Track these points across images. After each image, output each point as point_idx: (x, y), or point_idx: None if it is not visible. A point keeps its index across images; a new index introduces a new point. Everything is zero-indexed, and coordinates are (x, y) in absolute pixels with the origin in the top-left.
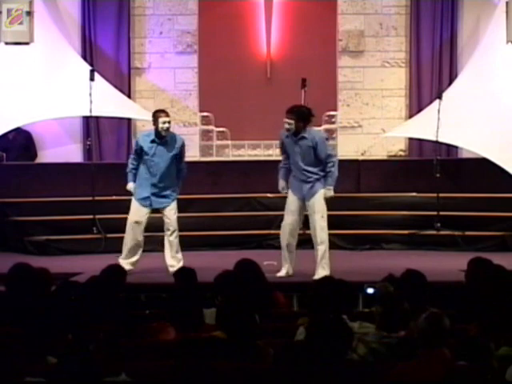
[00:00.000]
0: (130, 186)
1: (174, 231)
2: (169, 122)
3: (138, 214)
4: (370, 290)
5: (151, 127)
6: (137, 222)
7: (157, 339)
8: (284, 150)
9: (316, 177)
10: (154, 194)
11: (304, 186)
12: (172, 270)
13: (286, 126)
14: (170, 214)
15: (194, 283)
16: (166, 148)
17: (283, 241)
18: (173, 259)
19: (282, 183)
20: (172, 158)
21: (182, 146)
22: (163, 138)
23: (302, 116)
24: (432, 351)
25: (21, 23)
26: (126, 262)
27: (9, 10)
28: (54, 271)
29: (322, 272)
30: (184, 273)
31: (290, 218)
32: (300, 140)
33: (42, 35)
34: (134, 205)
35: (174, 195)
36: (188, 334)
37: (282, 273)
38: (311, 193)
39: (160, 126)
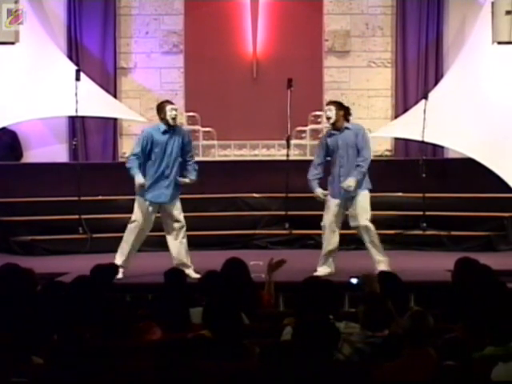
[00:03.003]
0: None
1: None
2: (175, 110)
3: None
4: (354, 280)
5: (137, 127)
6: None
7: (143, 339)
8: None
9: None
10: (165, 187)
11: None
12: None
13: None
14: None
15: (183, 283)
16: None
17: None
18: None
19: None
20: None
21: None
22: (172, 127)
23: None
24: (417, 351)
25: (21, 23)
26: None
27: (9, 10)
28: (40, 271)
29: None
30: (174, 273)
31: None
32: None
33: (28, 35)
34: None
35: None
36: (174, 334)
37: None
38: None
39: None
